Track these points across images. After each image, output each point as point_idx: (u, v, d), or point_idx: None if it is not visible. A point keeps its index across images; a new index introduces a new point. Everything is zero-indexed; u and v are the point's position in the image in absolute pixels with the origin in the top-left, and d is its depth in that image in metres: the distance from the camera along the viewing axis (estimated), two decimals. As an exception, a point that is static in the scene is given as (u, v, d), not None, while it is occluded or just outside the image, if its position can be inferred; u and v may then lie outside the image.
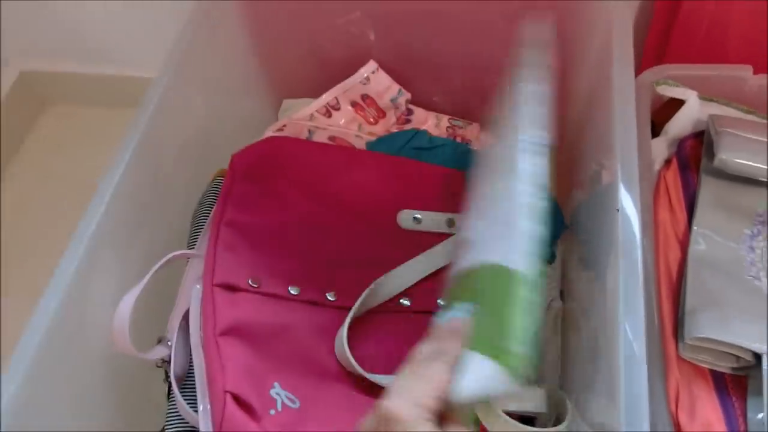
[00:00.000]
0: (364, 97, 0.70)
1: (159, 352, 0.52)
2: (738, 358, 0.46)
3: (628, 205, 0.46)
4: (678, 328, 0.48)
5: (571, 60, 0.67)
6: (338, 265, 0.56)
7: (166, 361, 0.52)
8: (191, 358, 0.51)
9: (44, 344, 0.46)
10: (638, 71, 0.60)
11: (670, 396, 0.46)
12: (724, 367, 0.47)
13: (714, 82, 0.63)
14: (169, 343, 0.52)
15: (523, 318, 0.37)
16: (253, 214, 0.56)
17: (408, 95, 0.72)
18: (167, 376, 0.52)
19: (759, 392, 0.44)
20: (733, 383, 0.47)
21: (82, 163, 1.06)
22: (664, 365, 0.47)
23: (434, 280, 0.58)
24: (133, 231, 0.57)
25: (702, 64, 0.64)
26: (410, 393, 0.36)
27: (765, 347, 0.44)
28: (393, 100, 0.70)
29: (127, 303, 0.48)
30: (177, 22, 0.66)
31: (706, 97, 0.61)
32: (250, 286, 0.51)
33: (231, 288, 0.51)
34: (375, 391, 0.50)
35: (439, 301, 0.57)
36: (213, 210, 0.57)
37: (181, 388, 0.51)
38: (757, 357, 0.45)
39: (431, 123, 0.72)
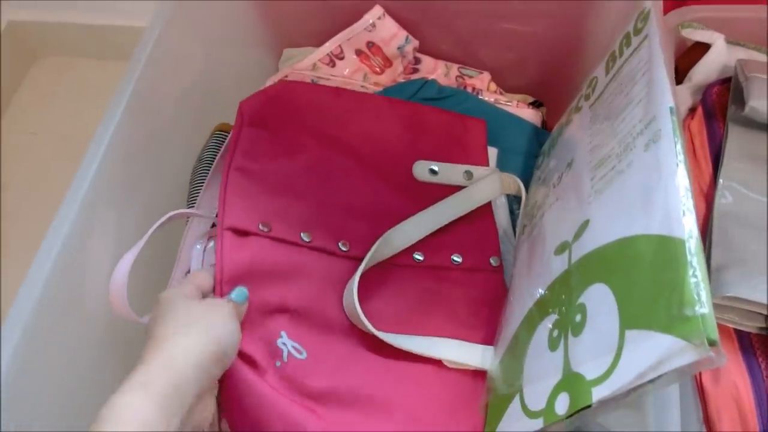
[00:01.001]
0: (370, 44, 0.67)
1: None
2: (766, 317, 0.44)
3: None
4: (703, 286, 0.46)
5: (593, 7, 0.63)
6: (351, 214, 0.54)
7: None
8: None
9: (38, 308, 0.44)
10: (661, 13, 0.57)
11: (693, 358, 0.44)
12: (751, 326, 0.45)
13: (742, 24, 0.59)
14: None
15: (691, 280, 0.33)
16: (263, 160, 0.53)
17: (416, 43, 0.68)
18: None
19: (786, 352, 0.43)
20: (760, 343, 0.45)
21: (75, 117, 1.03)
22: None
23: (448, 233, 0.56)
24: (129, 188, 0.55)
25: (730, 5, 0.60)
26: None
27: (794, 306, 0.42)
28: (400, 48, 0.67)
29: (125, 265, 0.46)
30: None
31: (733, 40, 0.58)
32: (261, 230, 0.49)
33: (241, 232, 0.49)
34: (383, 348, 0.48)
35: (453, 257, 0.55)
36: (220, 157, 0.54)
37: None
38: (786, 316, 0.43)
39: (440, 72, 0.69)
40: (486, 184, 0.58)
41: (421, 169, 0.58)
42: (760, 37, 0.58)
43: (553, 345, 0.42)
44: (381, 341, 0.48)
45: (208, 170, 0.57)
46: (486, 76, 0.69)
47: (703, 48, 0.57)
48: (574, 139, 0.52)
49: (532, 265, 0.51)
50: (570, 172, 0.50)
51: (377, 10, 0.66)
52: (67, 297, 0.48)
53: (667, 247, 0.35)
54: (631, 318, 0.36)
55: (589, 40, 0.66)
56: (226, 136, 0.60)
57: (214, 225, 0.53)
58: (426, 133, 0.59)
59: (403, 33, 0.67)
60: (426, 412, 0.47)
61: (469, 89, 0.67)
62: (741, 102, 0.51)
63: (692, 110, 0.55)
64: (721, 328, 0.45)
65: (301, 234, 0.51)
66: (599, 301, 0.39)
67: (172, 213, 0.50)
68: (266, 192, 0.52)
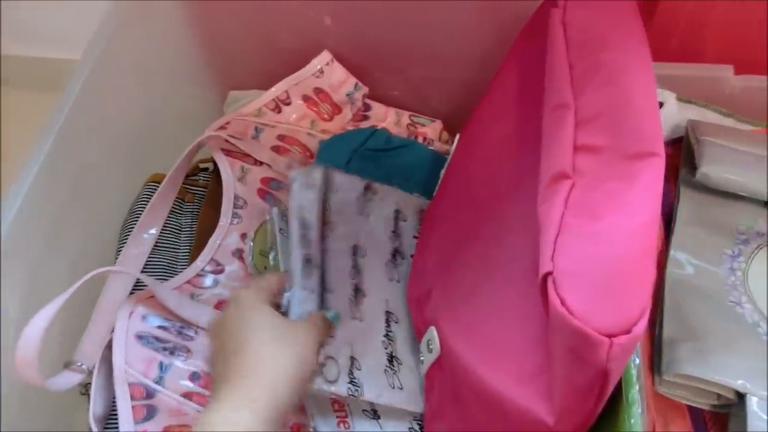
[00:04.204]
0: (317, 90, 0.64)
1: (68, 379, 0.46)
2: (719, 395, 0.42)
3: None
4: (654, 360, 0.44)
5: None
6: None
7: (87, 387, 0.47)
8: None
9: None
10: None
11: (646, 436, 0.42)
12: (704, 403, 0.43)
13: (692, 82, 0.59)
14: (82, 365, 0.46)
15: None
16: None
17: (365, 89, 0.66)
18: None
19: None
20: (713, 421, 0.43)
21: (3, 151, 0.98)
22: (639, 401, 0.43)
23: None
24: (51, 241, 0.51)
25: (681, 63, 0.60)
26: None
27: (749, 385, 0.40)
28: (349, 95, 0.65)
29: (37, 325, 0.42)
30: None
31: (684, 98, 0.58)
32: None
33: None
34: None
35: None
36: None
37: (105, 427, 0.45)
38: (740, 395, 0.41)
39: (391, 120, 0.67)
40: None
41: None
42: (708, 95, 0.58)
43: None
44: None
45: (139, 224, 0.53)
46: (438, 124, 0.67)
47: (655, 106, 0.57)
48: None
49: None
50: None
51: (325, 55, 0.64)
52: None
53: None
54: None
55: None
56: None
57: (137, 285, 0.49)
58: None
59: (353, 80, 0.65)
60: None
61: (420, 139, 0.65)
62: (692, 165, 0.50)
63: (644, 171, 0.54)
64: (674, 405, 0.43)
65: None
66: None
67: (94, 272, 0.46)
68: None
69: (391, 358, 0.49)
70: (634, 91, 0.39)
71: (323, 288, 0.49)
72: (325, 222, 0.52)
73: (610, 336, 0.30)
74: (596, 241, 0.34)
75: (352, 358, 0.47)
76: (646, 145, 0.37)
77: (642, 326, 0.31)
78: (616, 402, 0.37)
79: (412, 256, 0.55)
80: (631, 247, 0.33)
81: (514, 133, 0.48)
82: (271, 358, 0.39)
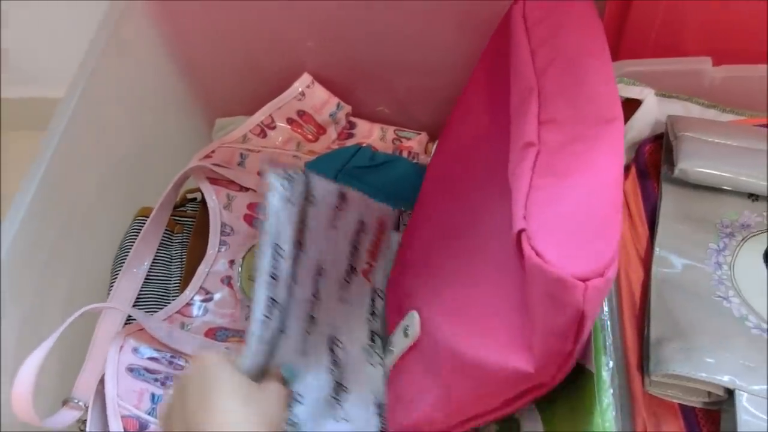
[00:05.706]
0: (301, 113, 0.65)
1: (66, 417, 0.46)
2: (710, 392, 0.42)
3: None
4: (643, 361, 0.43)
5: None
6: None
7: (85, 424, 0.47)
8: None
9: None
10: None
11: (638, 438, 0.42)
12: (695, 401, 0.42)
13: (672, 76, 0.58)
14: (79, 402, 0.47)
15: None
16: None
17: (348, 108, 0.66)
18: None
19: (733, 429, 0.40)
20: (705, 419, 0.42)
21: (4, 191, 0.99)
22: (629, 403, 0.43)
23: None
24: (44, 278, 0.52)
25: (659, 58, 0.60)
26: None
27: (737, 381, 0.40)
28: (332, 115, 0.65)
29: (32, 365, 0.43)
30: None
31: (665, 93, 0.57)
32: None
33: None
34: None
35: None
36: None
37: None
38: (730, 391, 0.41)
39: (376, 136, 0.67)
40: None
41: None
42: (689, 88, 0.57)
43: None
44: None
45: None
46: (423, 136, 0.68)
47: (635, 103, 0.56)
48: None
49: None
50: None
51: (306, 77, 0.65)
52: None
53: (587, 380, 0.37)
54: None
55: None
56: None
57: (129, 321, 0.50)
58: None
59: (335, 99, 0.66)
60: None
61: (405, 153, 0.65)
62: (672, 162, 0.50)
63: (626, 169, 0.54)
64: (665, 404, 0.43)
65: None
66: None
67: (84, 309, 0.47)
68: None
69: (338, 386, 0.48)
70: (590, 67, 0.42)
71: (279, 330, 0.45)
72: (299, 242, 0.47)
73: (584, 280, 0.32)
74: (564, 197, 0.36)
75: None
76: (605, 111, 0.40)
77: (613, 271, 0.33)
78: (589, 404, 0.37)
79: (362, 271, 0.54)
80: (598, 199, 0.36)
81: (486, 125, 0.50)
82: (239, 425, 0.36)
